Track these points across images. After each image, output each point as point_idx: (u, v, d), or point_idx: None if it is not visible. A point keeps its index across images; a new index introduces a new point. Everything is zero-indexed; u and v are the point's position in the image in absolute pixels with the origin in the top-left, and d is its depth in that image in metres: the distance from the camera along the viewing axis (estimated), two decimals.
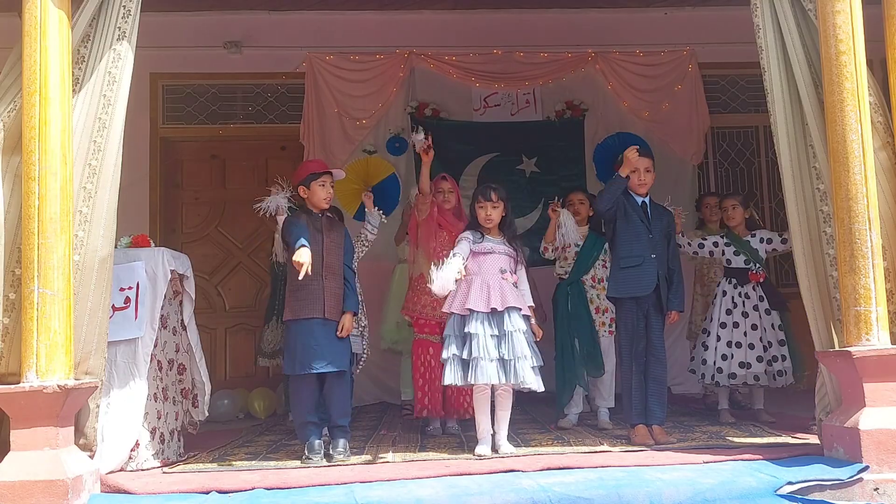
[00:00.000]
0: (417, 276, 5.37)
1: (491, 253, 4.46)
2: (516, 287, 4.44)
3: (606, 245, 5.36)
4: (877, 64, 4.24)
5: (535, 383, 4.34)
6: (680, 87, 7.68)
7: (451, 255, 4.40)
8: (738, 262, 5.41)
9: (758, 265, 5.36)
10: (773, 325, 5.32)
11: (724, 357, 5.25)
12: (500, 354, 4.28)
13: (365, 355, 5.48)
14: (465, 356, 4.33)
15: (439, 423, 5.26)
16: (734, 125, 8.01)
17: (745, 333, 5.27)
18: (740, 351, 5.24)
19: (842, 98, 3.87)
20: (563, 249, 5.44)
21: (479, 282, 4.39)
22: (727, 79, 7.97)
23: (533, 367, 4.34)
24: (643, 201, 4.76)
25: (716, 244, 5.45)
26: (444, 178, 5.36)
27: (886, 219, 3.95)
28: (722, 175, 7.90)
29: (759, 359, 5.23)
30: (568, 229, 5.33)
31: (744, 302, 5.34)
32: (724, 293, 5.39)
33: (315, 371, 4.34)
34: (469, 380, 4.32)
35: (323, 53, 7.47)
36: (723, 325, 5.32)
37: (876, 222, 3.81)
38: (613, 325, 5.30)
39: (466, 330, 4.34)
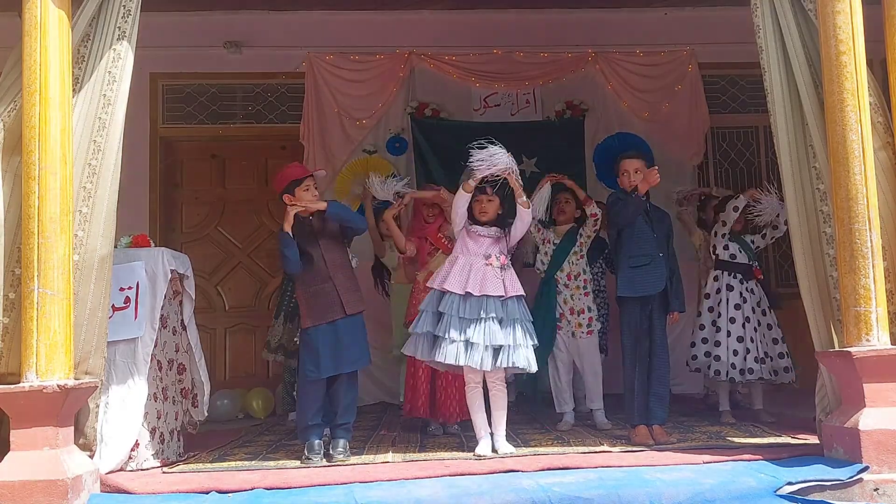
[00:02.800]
0: (412, 279, 5.40)
1: (480, 237, 4.45)
2: (502, 269, 4.40)
3: (578, 237, 5.37)
4: (877, 64, 4.24)
5: (489, 365, 4.26)
6: (680, 87, 7.67)
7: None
8: (743, 258, 5.44)
9: (755, 262, 5.39)
10: (770, 323, 5.36)
11: (735, 353, 5.24)
12: (466, 337, 4.25)
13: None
14: (437, 333, 4.33)
15: (440, 422, 5.26)
16: (734, 125, 8.01)
17: (755, 329, 5.30)
18: (753, 345, 5.25)
19: (842, 98, 3.87)
20: (543, 243, 5.44)
21: (463, 262, 4.39)
22: (727, 79, 7.96)
23: (515, 348, 4.28)
24: (646, 202, 4.77)
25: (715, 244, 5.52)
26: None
27: (886, 219, 3.95)
28: (722, 175, 7.90)
29: (767, 355, 5.26)
30: (538, 202, 5.23)
31: (749, 298, 5.36)
32: (731, 287, 5.38)
33: (344, 372, 4.37)
34: (432, 356, 4.34)
35: (323, 53, 7.47)
36: (732, 321, 5.31)
37: (876, 222, 3.81)
38: (591, 326, 5.31)
39: (439, 308, 4.35)
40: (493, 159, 4.33)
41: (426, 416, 5.21)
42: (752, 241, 5.55)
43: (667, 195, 6.03)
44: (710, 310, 5.43)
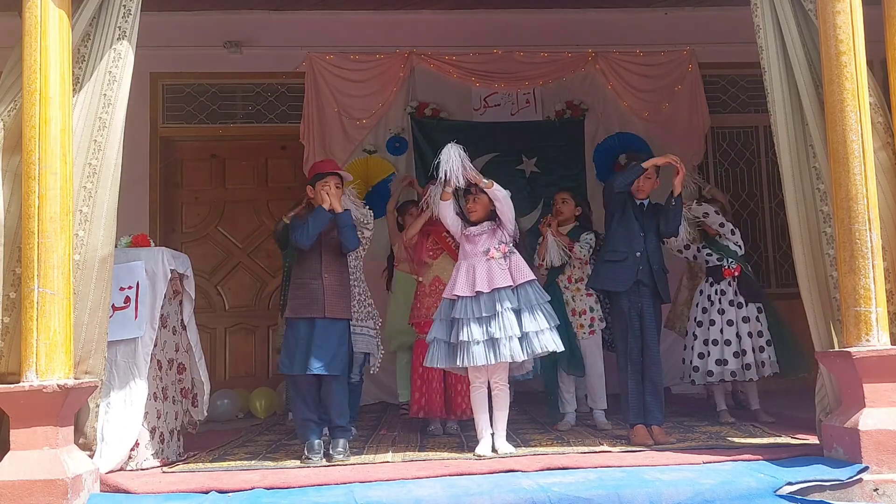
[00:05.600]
0: (419, 283, 5.38)
1: (475, 236, 4.46)
2: (506, 258, 4.39)
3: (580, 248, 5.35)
4: (877, 64, 4.24)
5: (520, 355, 4.25)
6: (680, 87, 7.68)
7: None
8: (713, 260, 5.45)
9: (731, 260, 5.39)
10: (749, 317, 5.31)
11: (700, 356, 5.29)
12: (489, 335, 4.25)
13: (381, 353, 5.50)
14: (452, 340, 4.33)
15: (440, 422, 5.26)
16: (734, 125, 8.01)
17: (721, 330, 5.29)
18: (716, 348, 5.26)
19: (842, 98, 3.86)
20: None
21: (466, 265, 4.41)
22: (727, 79, 7.97)
23: (537, 334, 4.28)
24: (642, 202, 4.78)
25: (698, 249, 5.50)
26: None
27: (886, 219, 3.95)
28: (722, 175, 7.91)
29: (735, 354, 5.24)
30: (550, 252, 5.30)
31: (720, 299, 5.36)
32: (702, 292, 5.45)
33: (311, 373, 4.33)
34: (458, 363, 4.31)
35: (323, 53, 7.48)
36: (699, 324, 5.37)
37: (876, 222, 3.81)
38: (593, 326, 5.31)
39: (453, 315, 4.34)
40: (450, 160, 4.34)
41: (442, 415, 5.21)
42: (735, 242, 5.48)
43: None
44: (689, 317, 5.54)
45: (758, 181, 7.91)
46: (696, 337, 5.35)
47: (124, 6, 3.98)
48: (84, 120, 3.89)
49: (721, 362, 5.23)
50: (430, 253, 5.30)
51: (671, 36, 7.72)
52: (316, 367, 4.32)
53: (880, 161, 3.99)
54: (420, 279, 5.36)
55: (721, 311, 5.32)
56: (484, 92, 7.69)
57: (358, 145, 7.53)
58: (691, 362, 5.32)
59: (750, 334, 5.27)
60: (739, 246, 5.47)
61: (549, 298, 4.46)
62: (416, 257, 5.34)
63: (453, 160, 4.32)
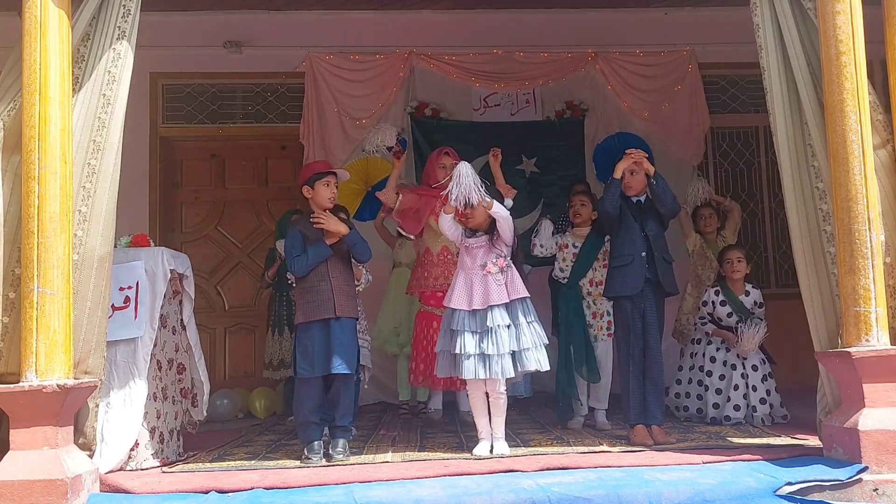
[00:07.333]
0: (423, 251, 5.37)
1: (473, 248, 4.45)
2: (503, 273, 4.39)
3: (607, 245, 5.35)
4: (877, 64, 4.24)
5: (511, 372, 4.27)
6: (680, 87, 7.68)
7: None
8: (730, 322, 5.43)
9: (746, 320, 5.36)
10: (755, 364, 5.35)
11: (715, 405, 5.31)
12: (481, 350, 4.26)
13: (371, 366, 5.55)
14: (453, 350, 4.36)
15: (440, 404, 5.22)
16: (734, 125, 8.01)
17: (742, 375, 5.31)
18: (737, 393, 5.26)
19: (842, 98, 3.86)
20: (561, 249, 5.41)
21: (464, 277, 4.41)
22: (727, 79, 7.98)
23: (527, 351, 4.30)
24: (638, 199, 4.77)
25: (706, 301, 5.52)
26: (447, 153, 5.23)
27: (888, 216, 3.94)
28: (722, 175, 7.91)
29: (754, 404, 5.25)
30: (541, 237, 5.29)
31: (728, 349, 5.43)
32: (710, 342, 5.47)
33: (335, 372, 4.34)
34: (454, 373, 4.37)
35: (323, 53, 7.48)
36: (708, 374, 5.40)
37: (876, 222, 3.81)
38: (611, 329, 5.28)
39: (451, 327, 4.37)
40: (462, 183, 4.31)
41: (444, 387, 5.27)
42: (757, 303, 5.47)
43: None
44: (693, 355, 5.57)
45: (758, 181, 7.91)
46: (707, 388, 5.34)
47: (124, 6, 3.98)
48: (83, 120, 3.90)
49: (738, 408, 5.24)
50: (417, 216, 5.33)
51: (671, 36, 7.72)
52: (338, 366, 4.34)
53: (881, 159, 3.99)
54: (412, 237, 5.32)
55: (734, 367, 5.35)
56: (484, 92, 7.70)
57: (358, 145, 7.50)
58: (716, 405, 5.30)
59: (764, 377, 5.33)
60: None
61: (538, 316, 4.44)
62: (406, 225, 5.32)
63: (465, 181, 4.30)
